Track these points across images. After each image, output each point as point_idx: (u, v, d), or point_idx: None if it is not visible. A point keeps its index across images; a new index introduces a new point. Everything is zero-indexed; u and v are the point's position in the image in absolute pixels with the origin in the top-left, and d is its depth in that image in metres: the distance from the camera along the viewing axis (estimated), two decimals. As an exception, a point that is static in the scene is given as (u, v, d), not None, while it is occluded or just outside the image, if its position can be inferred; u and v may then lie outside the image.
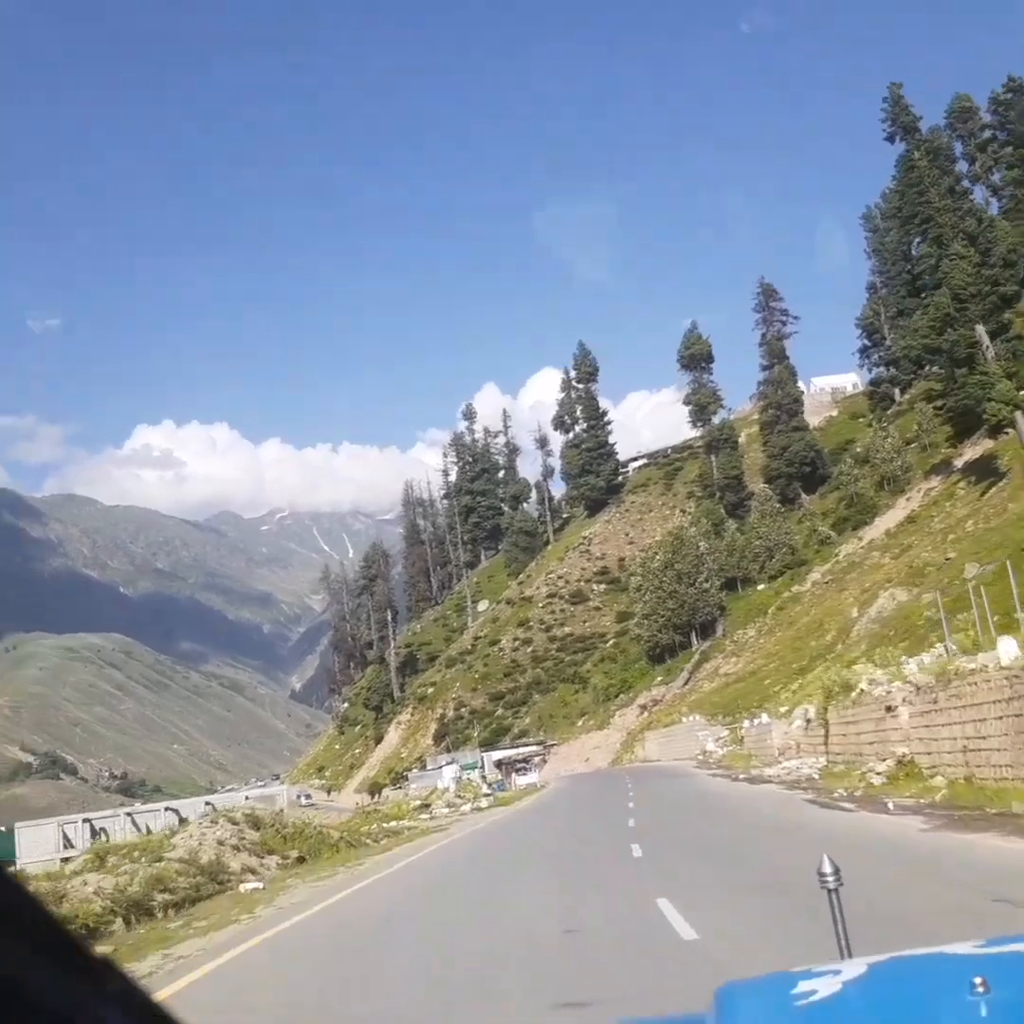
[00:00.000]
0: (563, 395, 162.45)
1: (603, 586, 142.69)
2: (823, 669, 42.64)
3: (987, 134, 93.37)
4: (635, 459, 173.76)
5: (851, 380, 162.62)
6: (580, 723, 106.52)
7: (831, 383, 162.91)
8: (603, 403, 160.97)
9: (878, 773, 20.30)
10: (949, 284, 74.54)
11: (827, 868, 3.23)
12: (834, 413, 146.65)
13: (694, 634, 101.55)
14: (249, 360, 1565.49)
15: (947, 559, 52.97)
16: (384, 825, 41.69)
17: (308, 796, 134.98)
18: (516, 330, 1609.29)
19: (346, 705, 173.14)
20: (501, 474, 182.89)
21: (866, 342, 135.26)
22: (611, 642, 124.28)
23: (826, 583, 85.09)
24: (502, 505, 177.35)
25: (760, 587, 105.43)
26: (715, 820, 21.87)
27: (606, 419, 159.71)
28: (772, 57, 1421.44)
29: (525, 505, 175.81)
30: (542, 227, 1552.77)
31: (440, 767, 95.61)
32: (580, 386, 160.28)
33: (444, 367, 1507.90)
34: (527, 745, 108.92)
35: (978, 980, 1.52)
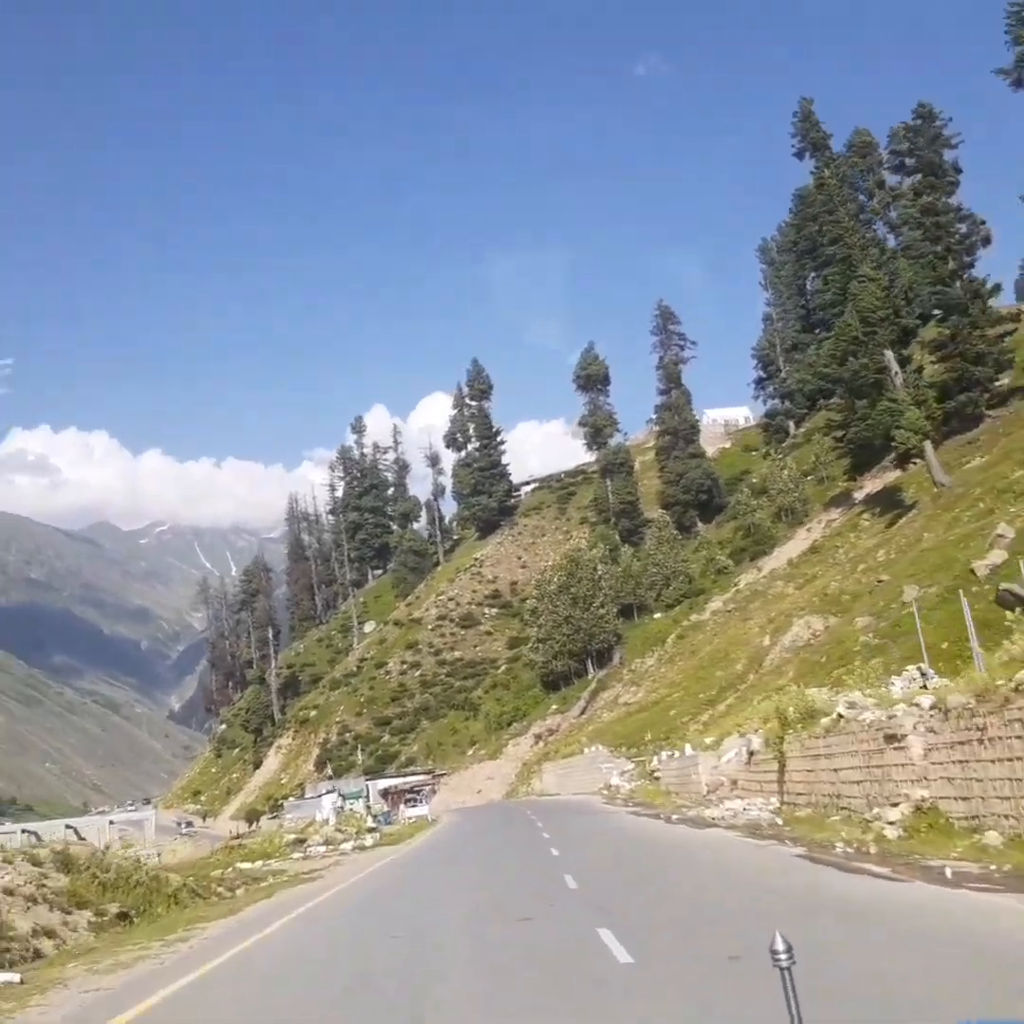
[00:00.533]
0: (455, 412, 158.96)
1: (495, 610, 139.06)
2: (765, 696, 39.47)
3: (885, 169, 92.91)
4: (528, 483, 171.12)
5: (744, 413, 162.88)
6: (471, 752, 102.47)
7: (724, 415, 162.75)
8: (496, 423, 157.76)
9: (890, 823, 16.54)
10: (858, 307, 73.06)
11: (780, 946, 2.88)
12: (727, 445, 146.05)
13: (590, 661, 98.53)
14: (132, 368, 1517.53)
15: (879, 582, 50.59)
16: (247, 865, 35.94)
17: (189, 824, 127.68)
18: (407, 353, 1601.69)
19: (224, 726, 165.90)
20: (390, 491, 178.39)
21: (761, 373, 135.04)
22: (503, 668, 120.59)
23: (728, 612, 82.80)
24: (391, 523, 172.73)
25: (657, 615, 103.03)
26: (695, 881, 16.29)
27: (499, 438, 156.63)
28: (671, 97, 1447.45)
29: (415, 524, 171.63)
30: (438, 251, 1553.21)
31: (320, 795, 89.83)
32: (473, 404, 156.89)
33: (333, 387, 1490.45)
34: (415, 774, 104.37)
35: None
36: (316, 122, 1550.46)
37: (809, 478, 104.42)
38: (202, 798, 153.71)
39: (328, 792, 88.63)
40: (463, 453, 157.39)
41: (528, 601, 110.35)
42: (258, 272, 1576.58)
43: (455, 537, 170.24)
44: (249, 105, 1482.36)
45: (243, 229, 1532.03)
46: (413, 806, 74.36)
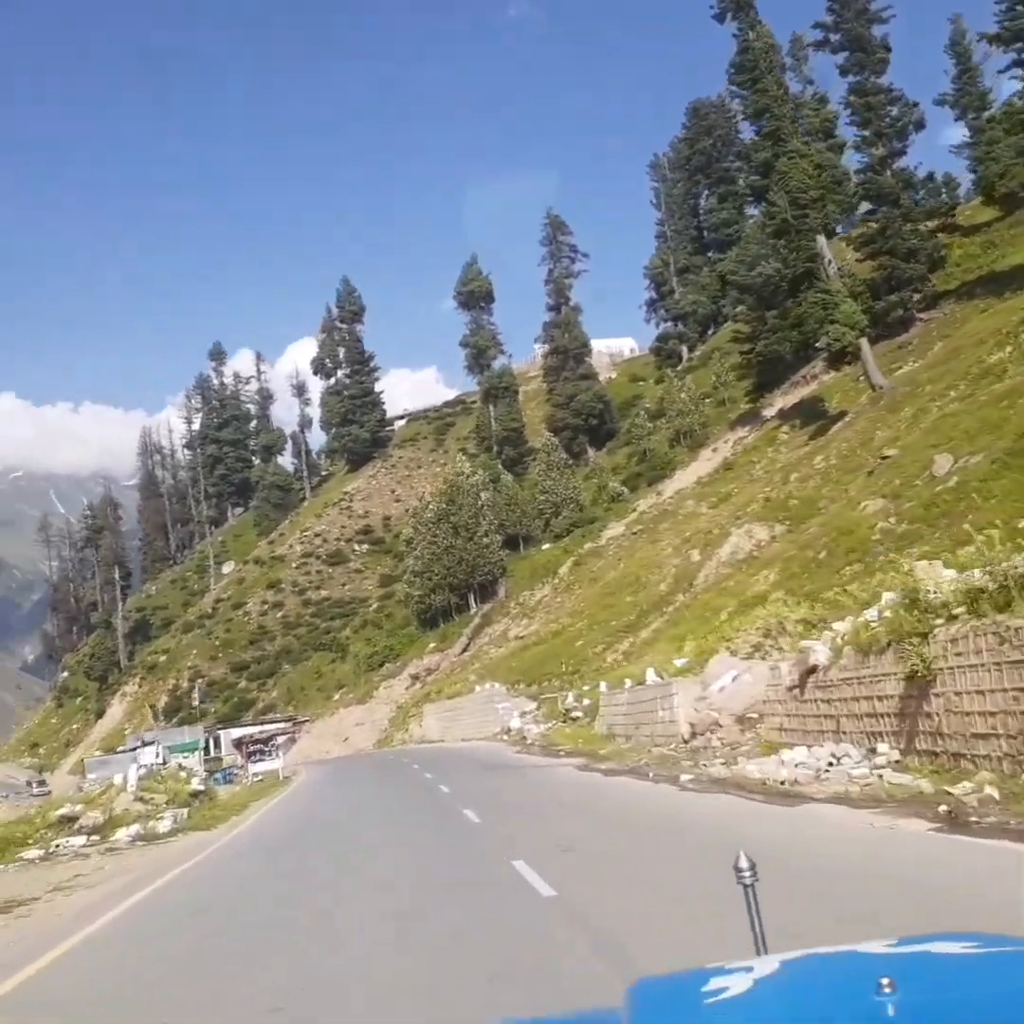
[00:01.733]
0: (324, 337, 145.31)
1: (366, 547, 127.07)
2: (714, 612, 28.99)
3: (809, 46, 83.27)
4: (402, 417, 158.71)
5: (630, 344, 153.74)
6: (337, 697, 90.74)
7: (610, 346, 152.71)
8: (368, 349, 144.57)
9: None
10: (786, 187, 62.96)
11: (744, 863, 2.83)
12: (613, 375, 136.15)
13: (473, 596, 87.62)
14: None
15: (883, 459, 40.57)
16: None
17: (41, 783, 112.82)
18: (274, 298, 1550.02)
19: (66, 674, 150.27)
20: (253, 424, 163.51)
21: (653, 295, 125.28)
22: (375, 607, 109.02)
23: (633, 534, 72.71)
24: (253, 457, 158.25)
25: (545, 546, 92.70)
26: None
27: (372, 365, 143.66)
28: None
29: (279, 458, 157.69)
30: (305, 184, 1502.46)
31: (135, 748, 71.61)
32: (343, 326, 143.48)
33: (197, 330, 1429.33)
34: (274, 722, 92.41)
35: (885, 981, 1.52)
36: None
37: (708, 400, 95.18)
38: (41, 751, 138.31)
39: (145, 744, 70.47)
40: (332, 381, 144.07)
41: (403, 531, 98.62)
42: (117, 205, 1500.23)
43: (324, 472, 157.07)
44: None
45: (102, 163, 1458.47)
46: (260, 760, 61.25)
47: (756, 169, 69.79)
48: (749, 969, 1.89)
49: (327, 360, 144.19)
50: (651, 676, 27.34)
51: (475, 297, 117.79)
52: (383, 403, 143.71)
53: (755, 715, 20.27)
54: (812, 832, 11.65)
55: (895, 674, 13.57)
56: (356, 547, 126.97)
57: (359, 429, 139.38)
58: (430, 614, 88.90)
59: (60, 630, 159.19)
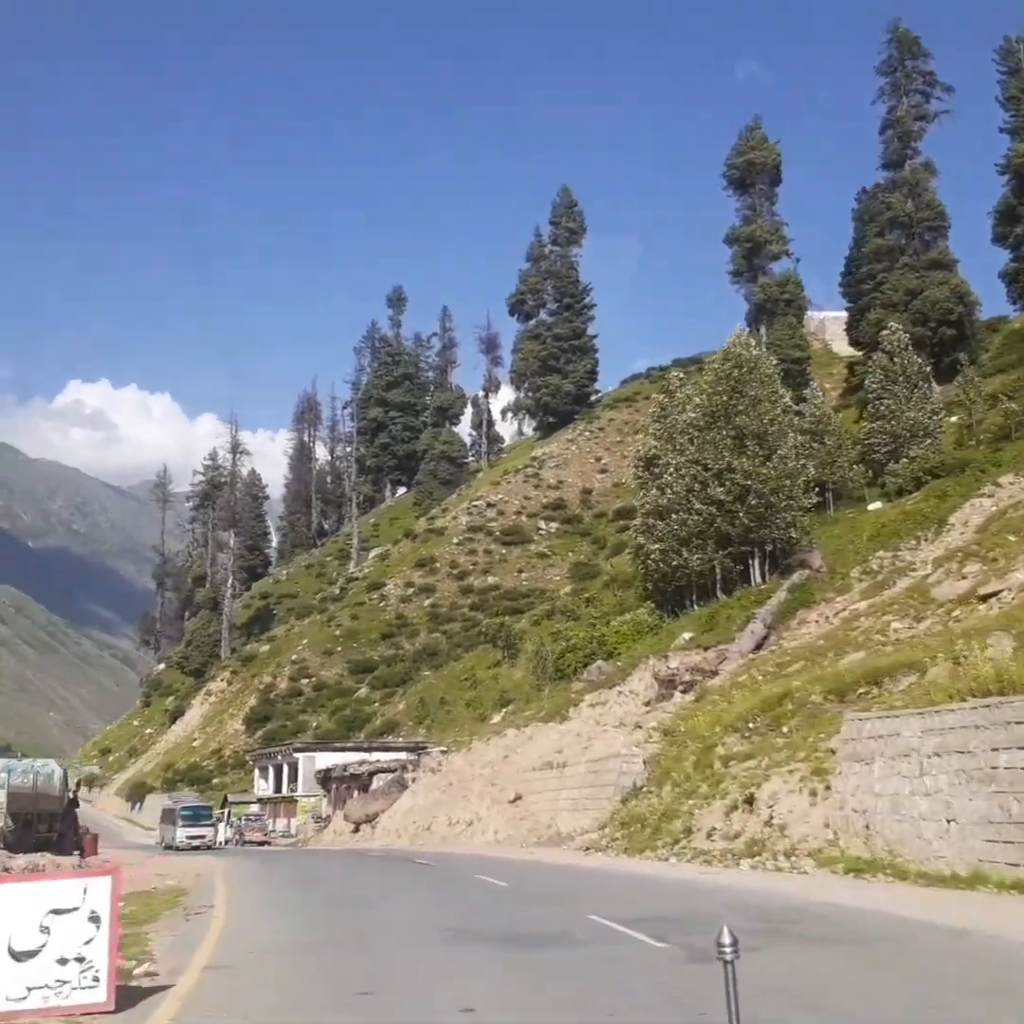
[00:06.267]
0: (527, 266, 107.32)
1: (555, 526, 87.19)
2: None
3: None
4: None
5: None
6: (500, 717, 49.71)
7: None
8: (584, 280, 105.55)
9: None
10: None
11: (726, 939, 2.56)
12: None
13: (757, 563, 46.21)
14: (201, 340, 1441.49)
15: None
16: None
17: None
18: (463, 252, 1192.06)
19: (161, 667, 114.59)
20: (430, 390, 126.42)
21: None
22: (568, 590, 68.69)
23: None
24: (423, 422, 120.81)
25: (874, 505, 50.60)
26: None
27: (586, 300, 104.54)
28: None
29: (454, 427, 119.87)
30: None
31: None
32: (557, 250, 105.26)
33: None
34: (390, 748, 52.79)
35: None
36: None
37: None
38: (110, 758, 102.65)
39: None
40: (531, 323, 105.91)
41: (643, 445, 56.72)
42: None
43: (506, 444, 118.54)
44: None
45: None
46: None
47: None
48: None
49: (528, 297, 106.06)
50: None
51: (755, 171, 77.55)
52: (595, 350, 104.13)
53: None
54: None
55: None
56: (542, 525, 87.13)
57: (561, 379, 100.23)
58: (675, 588, 47.51)
59: (166, 614, 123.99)
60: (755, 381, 47.58)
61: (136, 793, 74.26)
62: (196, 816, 45.60)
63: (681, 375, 62.51)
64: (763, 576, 45.86)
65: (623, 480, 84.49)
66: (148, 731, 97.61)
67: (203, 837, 43.99)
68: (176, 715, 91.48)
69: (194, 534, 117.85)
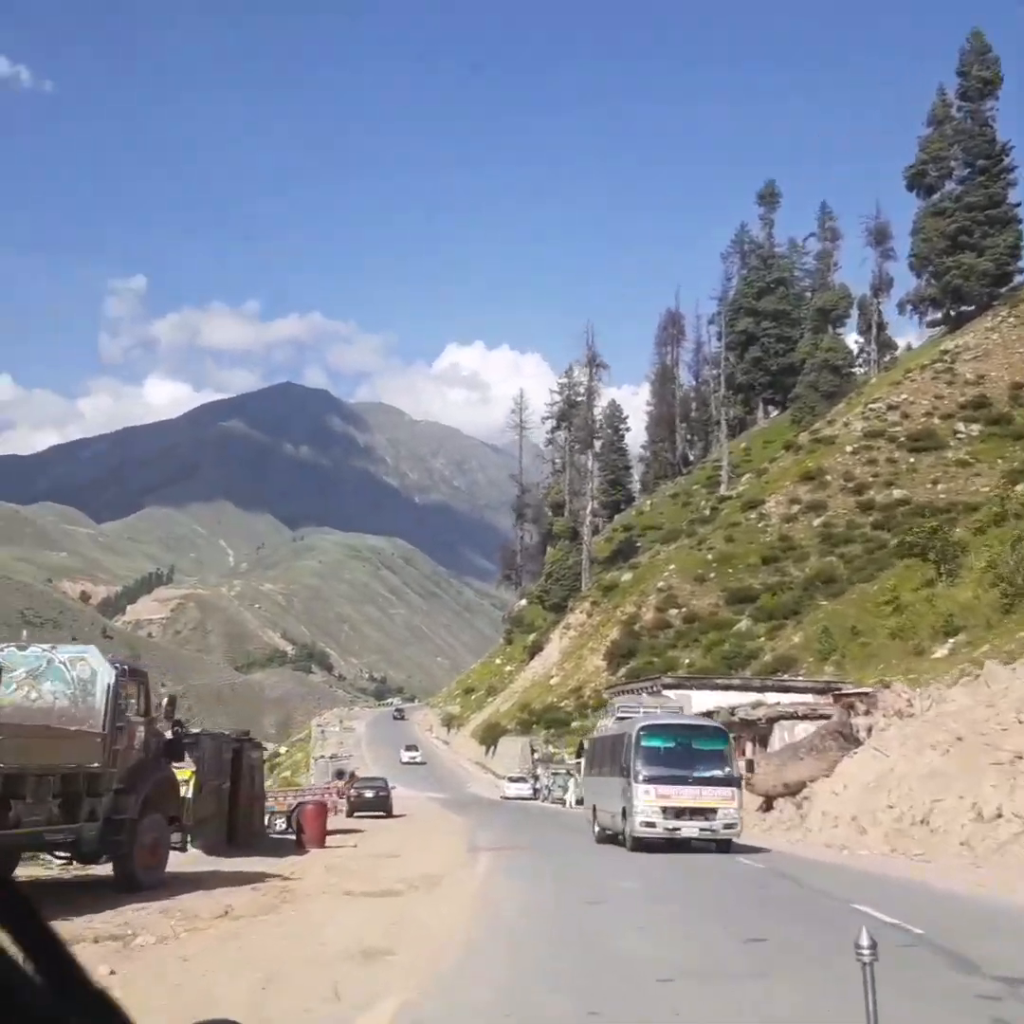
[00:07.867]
0: (930, 131, 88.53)
1: (977, 428, 69.73)
2: None
3: None
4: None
5: None
6: (946, 649, 35.31)
7: None
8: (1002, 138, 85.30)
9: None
10: None
11: (864, 941, 2.70)
12: None
13: None
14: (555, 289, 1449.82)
15: None
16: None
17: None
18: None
19: (522, 602, 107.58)
20: (808, 298, 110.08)
21: None
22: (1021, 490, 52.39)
23: None
24: (800, 333, 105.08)
25: None
26: None
27: (1006, 161, 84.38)
28: None
29: (838, 332, 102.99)
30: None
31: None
32: (966, 106, 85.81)
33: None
34: (791, 688, 39.98)
35: None
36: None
37: None
38: (472, 698, 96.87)
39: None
40: (936, 196, 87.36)
41: None
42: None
43: (898, 350, 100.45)
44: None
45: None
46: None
47: None
48: None
49: (931, 167, 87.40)
50: None
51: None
52: (1019, 221, 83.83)
53: None
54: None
55: None
56: (960, 427, 69.90)
57: (976, 257, 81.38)
58: None
59: (526, 548, 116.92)
60: None
61: (489, 735, 66.55)
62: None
63: None
64: None
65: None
66: (508, 668, 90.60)
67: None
68: (534, 651, 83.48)
69: (553, 461, 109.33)
